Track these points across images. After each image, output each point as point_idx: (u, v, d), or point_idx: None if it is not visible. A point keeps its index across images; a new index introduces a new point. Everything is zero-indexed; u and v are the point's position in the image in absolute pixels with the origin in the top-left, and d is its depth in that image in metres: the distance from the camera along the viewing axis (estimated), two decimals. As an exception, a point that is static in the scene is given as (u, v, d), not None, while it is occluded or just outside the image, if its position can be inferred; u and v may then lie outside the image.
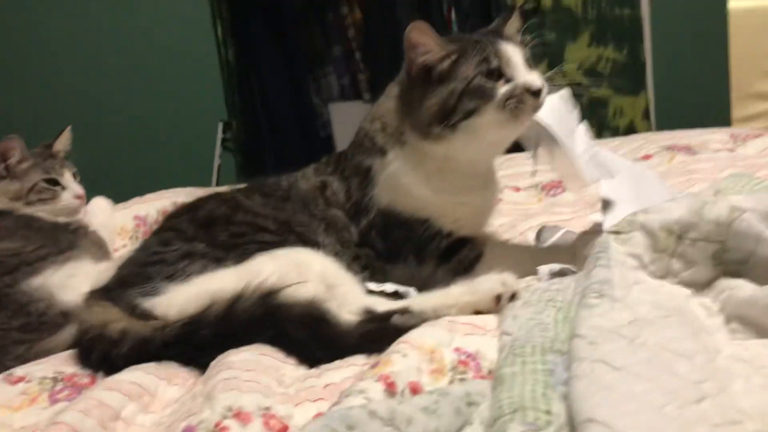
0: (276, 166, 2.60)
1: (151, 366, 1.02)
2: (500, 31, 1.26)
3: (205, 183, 3.31)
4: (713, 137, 1.78)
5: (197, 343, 1.04)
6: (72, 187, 1.63)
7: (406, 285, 1.18)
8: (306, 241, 1.23)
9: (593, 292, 0.83)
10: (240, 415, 0.80)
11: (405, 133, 1.25)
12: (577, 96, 1.24)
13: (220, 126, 3.66)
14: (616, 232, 0.95)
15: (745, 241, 0.87)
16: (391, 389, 0.79)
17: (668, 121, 3.32)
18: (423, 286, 1.15)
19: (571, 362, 0.69)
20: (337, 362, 0.97)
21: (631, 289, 0.85)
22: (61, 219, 1.60)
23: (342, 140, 3.58)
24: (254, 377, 0.90)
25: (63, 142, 1.70)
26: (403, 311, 1.05)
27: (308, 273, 1.12)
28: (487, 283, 1.05)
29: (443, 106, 1.17)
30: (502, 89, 1.16)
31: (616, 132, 3.54)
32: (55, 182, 1.61)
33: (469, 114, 1.16)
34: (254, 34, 3.66)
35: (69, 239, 1.50)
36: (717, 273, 0.90)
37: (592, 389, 0.62)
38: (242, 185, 1.45)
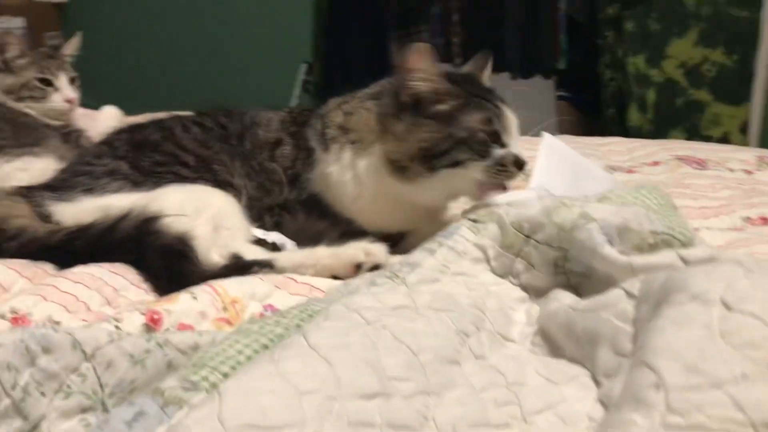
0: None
1: (16, 262, 1.04)
2: (480, 79, 1.27)
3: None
4: (737, 156, 1.61)
5: (73, 251, 1.06)
6: (64, 89, 1.67)
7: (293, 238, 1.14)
8: (221, 181, 1.22)
9: (388, 272, 0.77)
10: (18, 320, 0.80)
11: (368, 153, 1.18)
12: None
13: (303, 67, 3.69)
14: (474, 220, 0.88)
15: (582, 253, 0.78)
16: (153, 325, 0.77)
17: (768, 140, 3.04)
18: (313, 241, 1.11)
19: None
20: None
21: (444, 278, 0.79)
22: (53, 121, 1.66)
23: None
24: (75, 290, 0.90)
25: (72, 47, 1.76)
26: (265, 263, 1.02)
27: (204, 211, 1.12)
28: (350, 249, 1.02)
29: (434, 147, 1.12)
30: (498, 152, 1.12)
31: (707, 141, 3.26)
32: (48, 82, 1.66)
33: (456, 164, 1.12)
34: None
35: (34, 136, 1.54)
36: (558, 282, 0.81)
37: (261, 360, 0.58)
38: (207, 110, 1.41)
